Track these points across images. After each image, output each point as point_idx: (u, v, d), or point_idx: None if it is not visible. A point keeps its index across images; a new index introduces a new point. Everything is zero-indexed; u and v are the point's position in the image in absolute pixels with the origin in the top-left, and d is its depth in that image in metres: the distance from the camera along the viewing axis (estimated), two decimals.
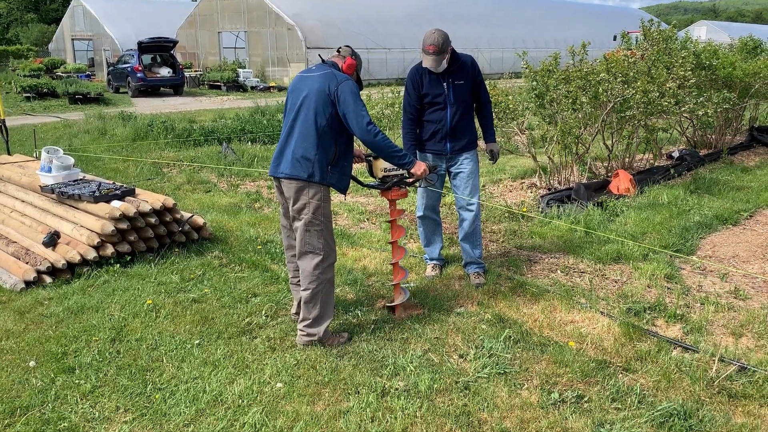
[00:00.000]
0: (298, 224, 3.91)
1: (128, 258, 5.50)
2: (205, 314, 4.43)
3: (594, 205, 6.65)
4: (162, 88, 25.81)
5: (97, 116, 14.47)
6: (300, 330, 4.00)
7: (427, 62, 4.60)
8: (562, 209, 6.54)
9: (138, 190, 6.18)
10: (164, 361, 3.81)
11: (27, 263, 5.22)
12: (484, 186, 8.10)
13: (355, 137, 3.94)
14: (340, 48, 4.17)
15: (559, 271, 5.20)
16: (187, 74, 28.31)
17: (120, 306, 4.59)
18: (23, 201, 6.49)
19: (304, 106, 3.85)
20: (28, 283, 5.08)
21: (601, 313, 4.36)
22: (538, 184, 7.90)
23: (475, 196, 4.91)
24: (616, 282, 4.97)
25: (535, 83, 7.32)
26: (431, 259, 5.27)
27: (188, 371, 3.66)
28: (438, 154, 4.91)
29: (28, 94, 21.67)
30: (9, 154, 9.06)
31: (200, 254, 5.74)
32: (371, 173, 4.29)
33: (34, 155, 9.84)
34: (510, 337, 4.02)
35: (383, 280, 5.04)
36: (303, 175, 3.82)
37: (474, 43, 32.56)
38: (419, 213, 5.16)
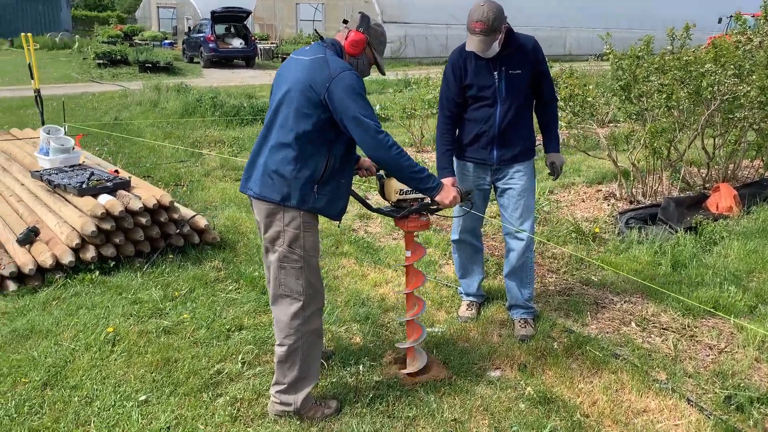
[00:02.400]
0: (272, 258, 2.92)
1: (112, 264, 4.67)
2: (170, 353, 3.52)
3: (686, 229, 5.32)
4: (235, 60, 25.35)
5: (154, 87, 13.95)
6: (273, 396, 3.02)
7: (473, 44, 3.46)
8: (645, 233, 5.25)
9: (137, 182, 5.35)
10: (91, 426, 2.92)
11: None
12: (551, 191, 6.85)
13: None
14: (349, 18, 3.08)
15: (633, 324, 3.99)
16: (262, 46, 27.78)
17: (75, 332, 3.75)
18: (22, 184, 5.80)
19: (284, 104, 2.83)
20: None
21: (688, 401, 3.16)
22: (617, 193, 6.58)
23: (527, 222, 3.76)
24: (710, 349, 3.71)
25: (620, 72, 5.99)
26: (467, 295, 4.17)
27: None
28: (481, 164, 3.78)
29: (101, 61, 21.61)
30: (43, 124, 8.52)
31: (197, 263, 4.86)
32: (382, 194, 3.22)
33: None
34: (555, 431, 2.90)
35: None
36: (274, 196, 2.81)
37: (560, 20, 30.44)
38: (454, 236, 4.06)
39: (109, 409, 3.03)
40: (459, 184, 3.83)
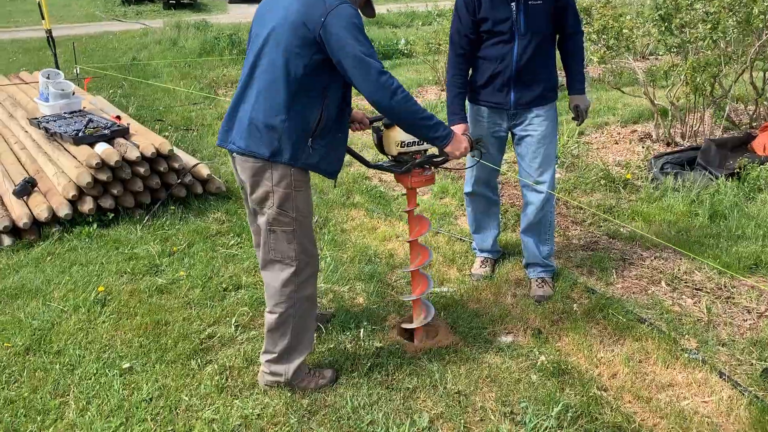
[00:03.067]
0: (260, 221, 2.65)
1: (111, 216, 4.48)
2: (161, 315, 3.33)
3: (727, 175, 4.86)
4: None
5: (174, 25, 13.57)
6: (263, 366, 2.81)
7: None
8: (682, 179, 4.82)
9: (137, 129, 5.09)
10: (70, 396, 2.76)
11: None
12: (581, 133, 6.39)
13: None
14: None
15: (663, 284, 3.64)
16: None
17: (65, 291, 3.58)
18: (26, 131, 5.60)
19: (269, 45, 2.49)
20: None
21: (720, 374, 2.85)
22: (654, 134, 6.10)
23: (546, 173, 3.40)
24: (749, 313, 3.36)
25: (660, 1, 5.41)
26: (481, 251, 3.86)
27: (87, 424, 2.59)
28: (497, 108, 3.40)
29: None
30: (57, 67, 8.29)
31: (200, 215, 4.63)
32: (380, 148, 2.89)
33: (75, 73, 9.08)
34: (568, 410, 2.63)
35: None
36: (263, 151, 2.50)
37: None
38: (467, 188, 3.72)
39: (90, 378, 2.86)
40: (472, 131, 3.48)
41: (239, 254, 4.02)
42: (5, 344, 3.10)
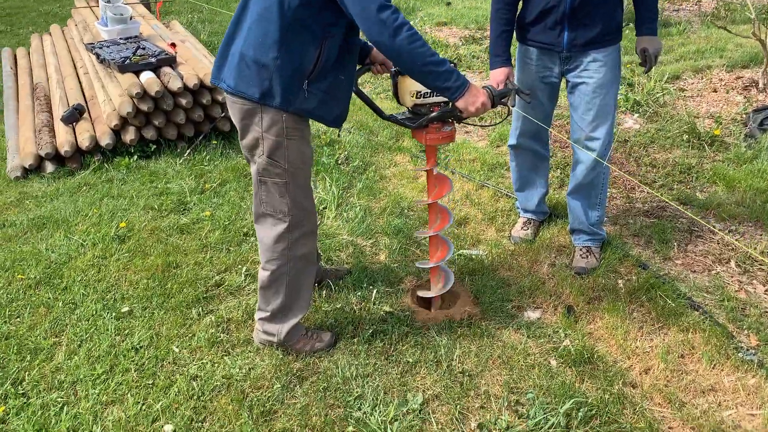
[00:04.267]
0: (252, 170, 2.42)
1: (153, 147, 4.41)
2: (174, 257, 3.23)
3: None
4: None
5: None
6: (257, 324, 2.64)
7: None
8: None
9: (186, 58, 4.94)
10: (64, 337, 2.71)
11: (37, 143, 4.35)
12: (677, 77, 5.66)
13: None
14: None
15: (733, 264, 3.14)
16: None
17: (90, 224, 3.55)
18: (90, 56, 5.61)
19: None
20: (27, 170, 4.24)
21: None
22: (761, 82, 5.29)
23: (602, 128, 2.93)
24: None
25: None
26: (525, 211, 3.47)
27: (73, 368, 2.53)
28: (548, 50, 2.94)
29: None
30: None
31: (241, 151, 4.47)
32: (396, 97, 2.55)
33: None
34: (581, 406, 2.29)
35: (447, 232, 3.39)
36: (252, 92, 2.23)
37: None
38: (512, 140, 3.31)
39: (88, 319, 2.80)
40: (519, 76, 3.05)
41: None
42: (19, 276, 3.10)
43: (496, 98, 2.40)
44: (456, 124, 2.57)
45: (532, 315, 2.82)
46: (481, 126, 2.97)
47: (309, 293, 2.61)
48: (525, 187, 3.40)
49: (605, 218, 3.28)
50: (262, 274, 2.52)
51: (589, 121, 2.94)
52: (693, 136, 4.34)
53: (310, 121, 2.37)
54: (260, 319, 2.60)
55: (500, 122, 2.91)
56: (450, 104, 2.39)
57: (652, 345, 2.60)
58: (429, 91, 2.42)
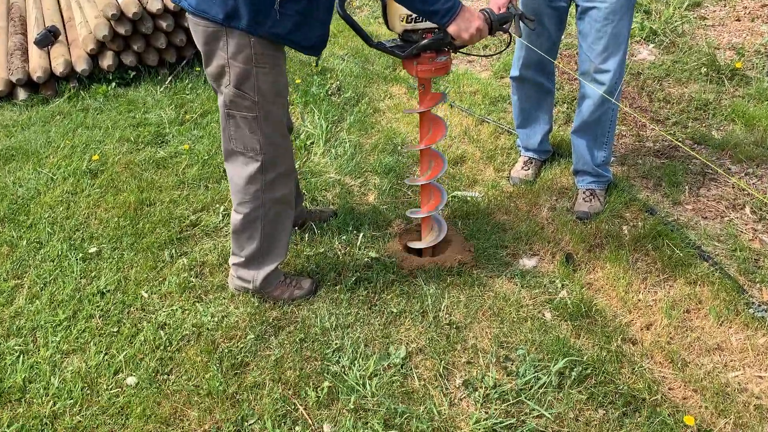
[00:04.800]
0: (219, 102, 2.17)
1: (132, 74, 4.14)
2: (148, 194, 3.03)
3: None
4: None
5: None
6: (231, 269, 2.46)
7: None
8: None
9: None
10: (27, 279, 2.54)
11: (8, 68, 4.08)
12: (698, 4, 5.26)
13: None
14: None
15: (747, 210, 2.91)
16: None
17: (61, 157, 3.33)
18: None
19: None
20: None
21: None
22: None
23: (613, 59, 2.65)
24: None
25: None
26: (526, 150, 3.23)
27: (33, 313, 2.37)
28: None
29: None
30: None
31: None
32: (386, 21, 2.27)
33: None
34: (575, 365, 2.12)
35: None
36: (216, 12, 1.97)
37: None
38: (514, 72, 3.03)
39: (53, 260, 2.63)
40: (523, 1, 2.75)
41: None
42: None
43: (495, 24, 2.12)
44: (453, 54, 2.30)
45: (528, 263, 2.63)
46: (480, 56, 2.70)
47: (287, 238, 2.41)
48: (527, 123, 3.14)
49: (612, 158, 3.04)
50: (235, 218, 2.32)
51: (599, 52, 2.65)
52: (712, 69, 4.02)
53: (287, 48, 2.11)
54: (234, 264, 2.42)
55: (502, 51, 2.63)
56: (440, 32, 2.12)
57: (656, 298, 2.41)
58: (419, 17, 2.14)
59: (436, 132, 2.44)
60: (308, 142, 3.45)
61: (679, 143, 3.21)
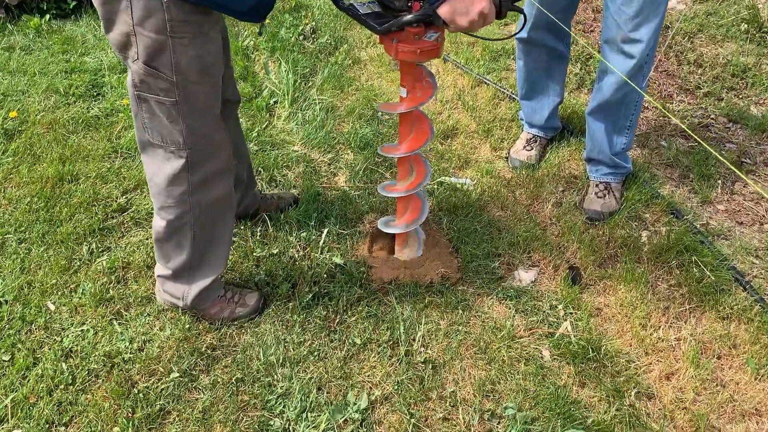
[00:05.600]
0: (127, 81, 1.63)
1: (72, 4, 3.50)
2: (72, 165, 2.51)
3: None
4: None
5: None
6: (157, 281, 1.98)
7: None
8: None
9: None
10: None
11: None
12: None
13: None
14: None
15: None
16: None
17: None
18: None
19: None
20: None
21: None
22: None
23: (646, 26, 2.09)
24: None
25: None
26: (531, 126, 2.70)
27: None
28: None
29: None
30: None
31: None
32: None
33: None
34: None
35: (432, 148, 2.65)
36: None
37: None
38: (521, 33, 2.46)
39: None
40: None
41: None
42: None
43: (506, 5, 1.55)
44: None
45: (525, 276, 2.16)
46: (486, 39, 2.14)
47: (226, 247, 1.93)
48: (533, 94, 2.60)
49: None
50: (157, 224, 1.82)
51: (631, 16, 2.09)
52: (753, 25, 3.43)
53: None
54: (160, 276, 1.94)
55: (515, 35, 2.05)
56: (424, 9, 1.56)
57: (680, 337, 1.95)
58: None
59: (420, 134, 1.90)
60: (271, 101, 2.90)
61: (700, 141, 2.68)
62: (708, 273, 2.12)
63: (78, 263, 2.13)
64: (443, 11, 1.45)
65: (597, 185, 2.43)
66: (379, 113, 2.83)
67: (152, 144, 1.68)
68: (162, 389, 1.77)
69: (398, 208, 2.07)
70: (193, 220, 1.80)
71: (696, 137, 2.00)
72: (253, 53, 3.26)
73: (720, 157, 1.57)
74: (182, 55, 1.52)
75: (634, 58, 2.13)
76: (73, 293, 2.03)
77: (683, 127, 2.10)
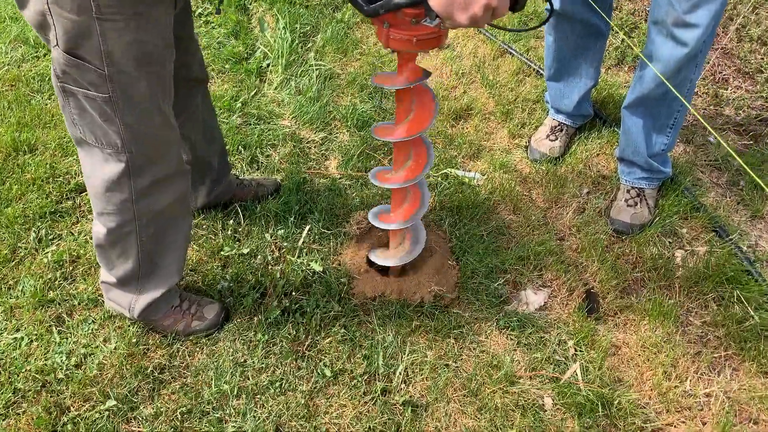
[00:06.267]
0: (52, 69, 1.31)
1: None
2: (31, 132, 2.23)
3: None
4: None
5: None
6: (101, 286, 1.71)
7: None
8: None
9: None
10: None
11: None
12: None
13: None
14: None
15: None
16: None
17: None
18: None
19: None
20: None
21: None
22: None
23: (706, 6, 1.69)
24: None
25: None
26: (557, 111, 2.32)
27: None
28: None
29: None
30: None
31: None
32: None
33: None
34: None
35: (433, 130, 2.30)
36: None
37: None
38: (555, 4, 2.06)
39: None
40: None
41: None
42: None
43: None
44: None
45: (533, 299, 1.85)
46: (508, 30, 1.77)
47: (180, 255, 1.65)
48: (562, 75, 2.21)
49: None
50: (97, 229, 1.55)
51: None
52: None
53: None
54: (104, 283, 1.67)
55: (540, 26, 1.66)
56: None
57: (710, 392, 1.64)
58: None
59: (422, 115, 1.56)
60: (264, 64, 2.55)
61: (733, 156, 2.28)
62: (752, 312, 1.78)
63: (23, 252, 1.87)
64: (436, 3, 1.10)
65: (628, 191, 2.07)
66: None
67: (84, 142, 1.38)
68: (96, 419, 1.53)
69: (393, 199, 1.75)
70: (139, 230, 1.51)
71: (730, 150, 1.64)
72: (251, 4, 2.89)
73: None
74: (115, 42, 1.20)
75: (686, 47, 1.74)
76: (11, 290, 1.78)
77: (727, 148, 1.73)
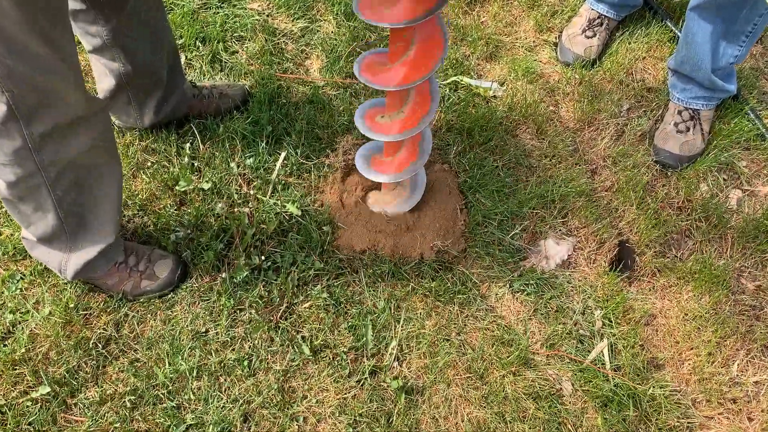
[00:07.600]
0: None
1: None
2: None
3: None
4: None
5: None
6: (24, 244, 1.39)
7: None
8: None
9: None
10: None
11: None
12: None
13: None
14: None
15: None
16: None
17: None
18: None
19: None
20: None
21: None
22: None
23: None
24: None
25: None
26: (598, 0, 1.84)
27: None
28: None
29: None
30: None
31: None
32: None
33: None
34: None
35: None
36: None
37: None
38: None
39: None
40: None
41: None
42: None
43: None
44: None
45: (555, 251, 1.54)
46: None
47: (114, 207, 1.31)
48: None
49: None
50: None
51: None
52: None
53: None
54: (25, 239, 1.34)
55: None
56: None
57: (762, 380, 1.38)
58: None
59: (429, 52, 1.13)
60: None
61: None
62: None
63: None
64: None
65: (680, 112, 1.68)
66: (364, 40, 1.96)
67: None
68: (26, 410, 1.27)
69: (385, 150, 1.38)
70: (50, 182, 1.16)
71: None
72: None
73: None
74: None
75: None
76: None
77: None
